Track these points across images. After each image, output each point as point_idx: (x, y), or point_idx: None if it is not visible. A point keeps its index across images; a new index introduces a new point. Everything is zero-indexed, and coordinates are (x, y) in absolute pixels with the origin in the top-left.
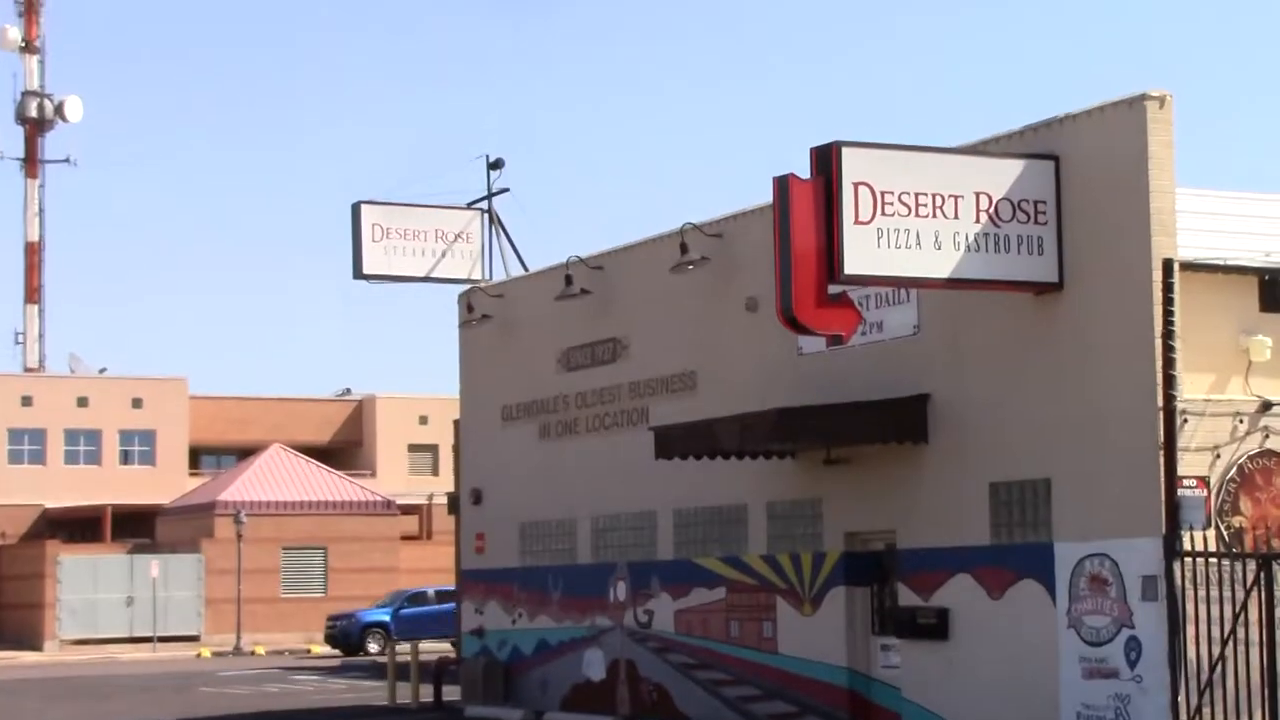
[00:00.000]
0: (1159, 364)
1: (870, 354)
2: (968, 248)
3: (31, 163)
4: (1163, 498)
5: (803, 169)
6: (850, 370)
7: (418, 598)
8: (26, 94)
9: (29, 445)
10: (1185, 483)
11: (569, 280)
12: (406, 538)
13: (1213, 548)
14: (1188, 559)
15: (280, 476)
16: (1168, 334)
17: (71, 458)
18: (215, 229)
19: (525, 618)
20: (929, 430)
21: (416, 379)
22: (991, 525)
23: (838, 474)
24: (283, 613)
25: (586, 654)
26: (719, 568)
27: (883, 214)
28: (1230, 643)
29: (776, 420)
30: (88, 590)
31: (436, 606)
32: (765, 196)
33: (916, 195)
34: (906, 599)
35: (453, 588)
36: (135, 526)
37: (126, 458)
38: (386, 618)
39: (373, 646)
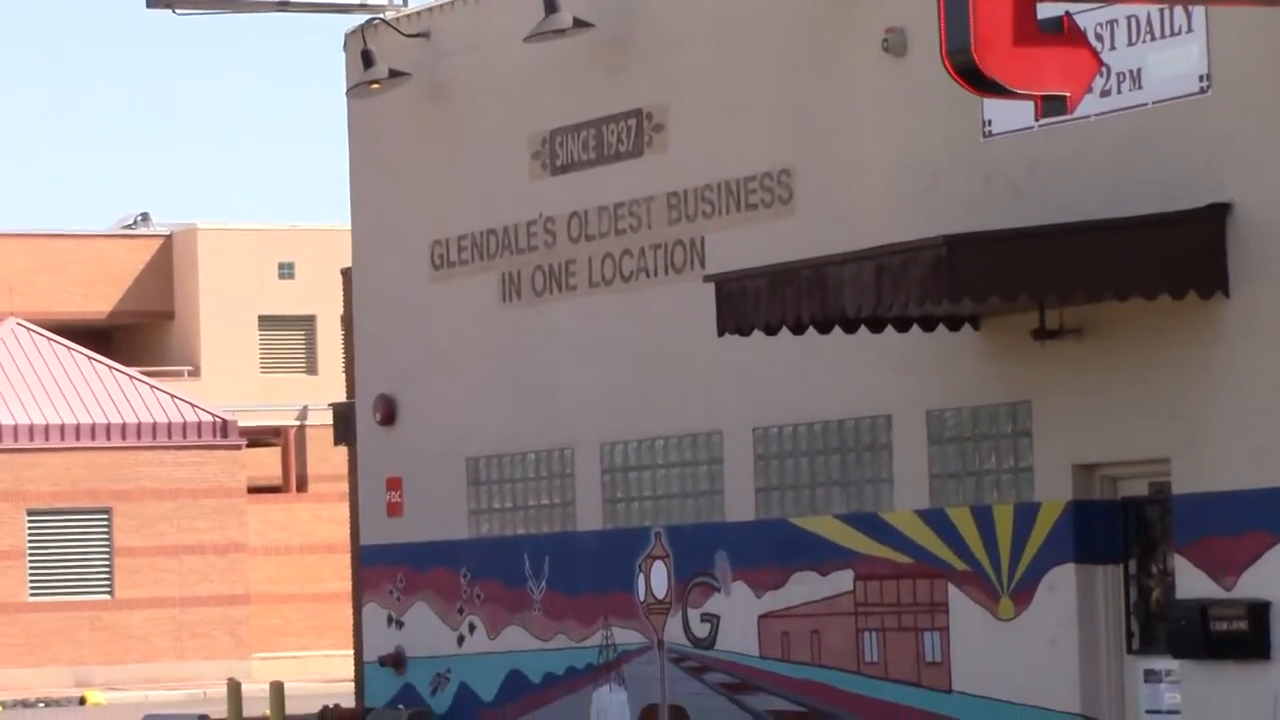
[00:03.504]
0: None
1: (1117, 132)
2: None
3: None
4: None
5: None
6: (1079, 164)
7: None
8: None
9: None
10: None
11: (552, 4)
12: (260, 489)
13: None
14: None
15: (21, 378)
16: None
17: None
18: None
19: (483, 632)
20: (1230, 272)
21: (268, 199)
22: None
23: (1059, 358)
24: (32, 631)
25: (598, 698)
26: (841, 535)
27: None
28: None
29: (946, 257)
30: None
31: None
32: None
33: None
34: (1191, 586)
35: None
36: None
37: None
38: None
39: None
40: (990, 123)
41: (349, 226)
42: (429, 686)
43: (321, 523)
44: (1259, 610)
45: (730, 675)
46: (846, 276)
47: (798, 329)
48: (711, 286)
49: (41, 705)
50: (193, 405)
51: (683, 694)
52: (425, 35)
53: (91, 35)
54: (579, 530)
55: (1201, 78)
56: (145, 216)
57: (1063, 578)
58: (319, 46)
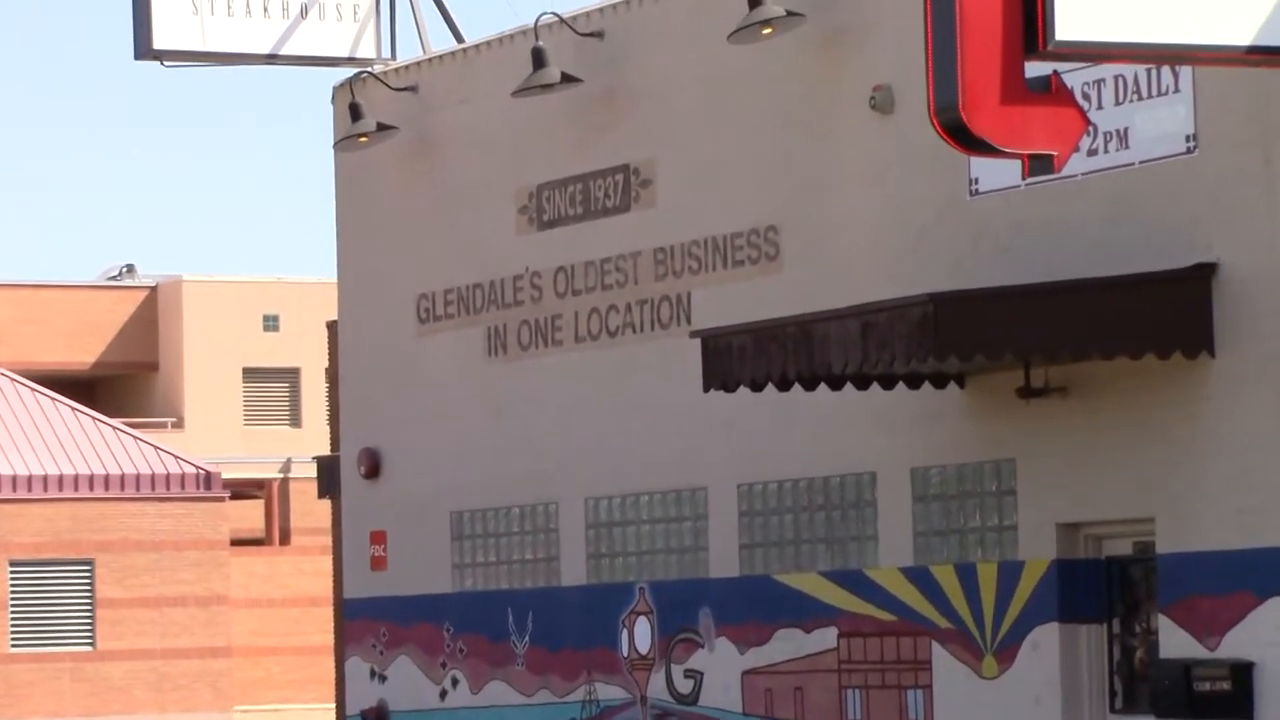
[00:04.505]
0: None
1: (1103, 191)
2: None
3: None
4: None
5: None
6: (1065, 222)
7: None
8: None
9: None
10: None
11: (540, 58)
12: (242, 542)
13: None
14: None
15: (4, 428)
16: None
17: None
18: None
19: (466, 686)
20: (1216, 332)
21: (253, 251)
22: None
23: (1045, 416)
24: (13, 682)
25: None
26: (825, 592)
27: None
28: None
29: (932, 315)
30: None
31: None
32: None
33: None
34: (1175, 647)
35: None
36: None
37: None
38: None
39: None
40: (977, 181)
41: (335, 279)
42: None
43: (304, 576)
44: (1242, 671)
45: None
46: (832, 333)
47: (783, 385)
48: (698, 342)
49: None
50: (176, 457)
51: None
52: (413, 89)
53: (78, 86)
54: (563, 585)
55: (1188, 138)
56: (130, 268)
57: (1046, 636)
58: (307, 99)
